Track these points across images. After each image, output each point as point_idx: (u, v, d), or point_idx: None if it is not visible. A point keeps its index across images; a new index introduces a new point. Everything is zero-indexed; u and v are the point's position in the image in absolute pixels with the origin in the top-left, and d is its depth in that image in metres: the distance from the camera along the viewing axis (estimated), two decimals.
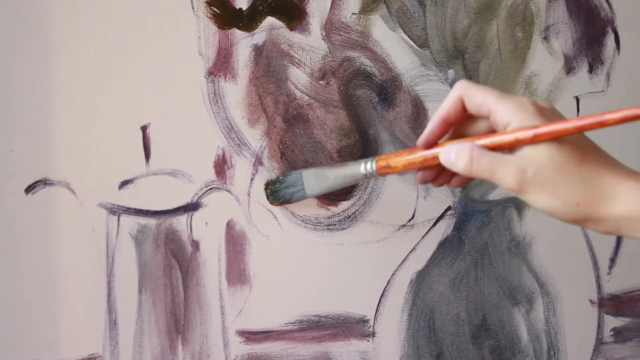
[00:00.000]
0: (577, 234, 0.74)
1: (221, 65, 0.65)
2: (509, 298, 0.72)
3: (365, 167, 0.58)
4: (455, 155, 0.49)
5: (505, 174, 0.47)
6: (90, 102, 0.62)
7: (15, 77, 0.60)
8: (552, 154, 0.46)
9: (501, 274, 0.72)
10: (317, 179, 0.63)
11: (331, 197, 0.68)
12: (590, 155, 0.47)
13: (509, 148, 0.48)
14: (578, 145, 0.47)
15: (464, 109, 0.51)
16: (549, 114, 0.48)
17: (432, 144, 0.52)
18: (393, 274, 0.70)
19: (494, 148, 0.48)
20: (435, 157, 0.51)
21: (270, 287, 0.66)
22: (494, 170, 0.47)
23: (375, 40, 0.69)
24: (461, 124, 0.53)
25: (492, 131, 0.51)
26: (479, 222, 0.72)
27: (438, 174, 0.55)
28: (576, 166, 0.46)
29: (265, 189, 0.66)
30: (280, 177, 0.65)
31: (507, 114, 0.47)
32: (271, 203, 0.66)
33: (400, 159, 0.54)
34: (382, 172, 0.57)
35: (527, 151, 0.47)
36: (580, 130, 0.46)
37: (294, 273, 0.67)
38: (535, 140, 0.46)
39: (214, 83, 0.65)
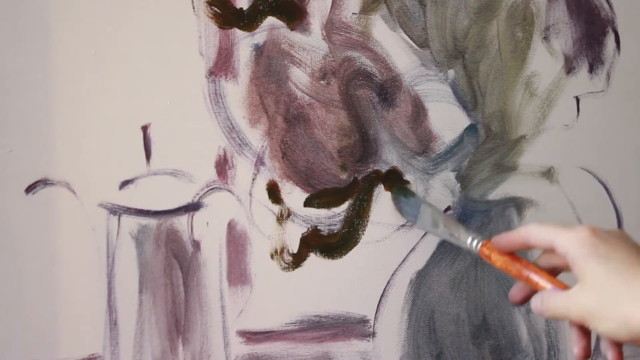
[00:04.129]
0: None
1: (222, 65, 0.65)
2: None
3: (471, 243, 0.60)
4: (532, 302, 0.55)
5: (570, 310, 0.51)
6: (90, 102, 0.62)
7: (15, 77, 0.60)
8: (592, 294, 0.50)
9: (501, 273, 0.72)
10: (430, 221, 0.65)
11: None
12: (631, 270, 0.49)
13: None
14: (622, 264, 0.49)
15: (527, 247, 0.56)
16: (606, 245, 0.50)
17: (508, 252, 0.57)
18: (393, 274, 0.70)
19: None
20: (528, 279, 0.55)
21: (270, 287, 0.66)
22: (566, 310, 0.51)
23: (376, 40, 0.69)
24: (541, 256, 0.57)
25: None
26: (479, 222, 0.72)
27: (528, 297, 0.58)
28: (622, 286, 0.49)
29: (396, 189, 0.69)
30: (410, 194, 0.68)
31: (565, 244, 0.52)
32: (392, 196, 0.69)
33: (501, 259, 0.57)
34: (482, 257, 0.60)
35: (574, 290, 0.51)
36: None
37: (295, 273, 0.67)
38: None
39: (215, 83, 0.65)
